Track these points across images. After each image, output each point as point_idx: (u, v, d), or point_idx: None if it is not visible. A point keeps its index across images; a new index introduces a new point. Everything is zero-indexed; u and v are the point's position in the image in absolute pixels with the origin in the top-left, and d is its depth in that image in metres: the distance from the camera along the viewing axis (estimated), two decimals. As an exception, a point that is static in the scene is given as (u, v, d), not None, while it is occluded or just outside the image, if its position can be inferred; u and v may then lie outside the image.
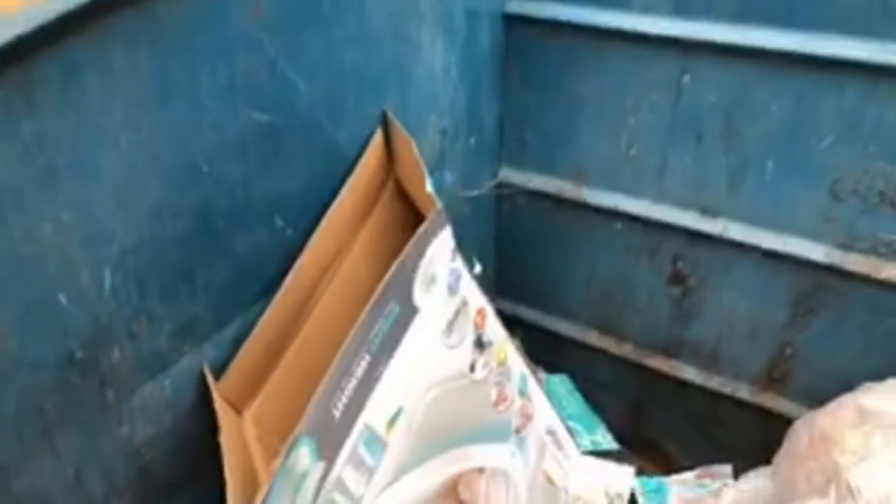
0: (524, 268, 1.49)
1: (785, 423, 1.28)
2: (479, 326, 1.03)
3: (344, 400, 0.78)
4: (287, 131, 0.88)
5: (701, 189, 1.23)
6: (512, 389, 1.13)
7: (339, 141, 0.97)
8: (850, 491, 0.98)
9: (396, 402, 0.88)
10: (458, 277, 0.97)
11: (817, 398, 1.26)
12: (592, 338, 1.49)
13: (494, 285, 1.52)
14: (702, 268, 1.30)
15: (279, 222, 0.92)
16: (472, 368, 1.03)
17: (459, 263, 0.96)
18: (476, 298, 1.02)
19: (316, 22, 0.87)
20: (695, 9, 1.09)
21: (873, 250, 1.13)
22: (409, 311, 0.89)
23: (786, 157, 1.13)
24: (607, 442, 1.49)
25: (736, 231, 1.22)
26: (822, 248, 1.17)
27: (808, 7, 1.01)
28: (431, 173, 0.96)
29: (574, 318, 1.49)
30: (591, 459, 1.36)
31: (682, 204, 1.26)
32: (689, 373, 1.41)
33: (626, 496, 1.33)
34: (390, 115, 1.02)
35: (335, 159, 0.98)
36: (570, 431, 1.34)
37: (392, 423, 0.87)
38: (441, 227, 0.90)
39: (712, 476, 1.47)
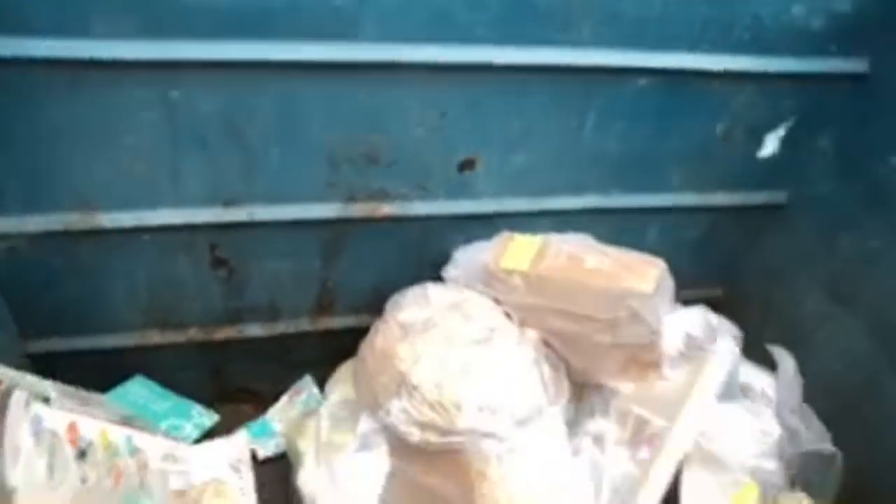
0: (62, 303, 1.34)
1: (339, 335, 1.55)
2: (74, 443, 0.96)
3: None
4: None
5: (219, 186, 1.26)
6: (124, 460, 1.10)
7: None
8: (414, 387, 1.29)
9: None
10: (39, 421, 0.87)
11: (359, 311, 1.55)
12: (155, 337, 1.47)
13: (21, 332, 1.34)
14: (239, 249, 1.38)
15: None
16: (84, 480, 0.97)
17: (41, 410, 0.86)
18: (61, 421, 0.93)
19: None
20: (167, 29, 1.04)
21: (370, 198, 1.37)
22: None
23: (286, 143, 1.24)
24: (207, 417, 1.56)
25: (261, 213, 1.32)
26: (332, 206, 1.36)
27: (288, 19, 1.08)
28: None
29: (130, 328, 1.44)
30: (204, 446, 1.42)
31: (205, 202, 1.28)
32: (255, 329, 1.53)
33: (247, 456, 1.46)
34: None
35: None
36: (175, 437, 1.38)
37: None
38: (7, 401, 0.79)
39: (298, 392, 1.70)
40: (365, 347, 1.38)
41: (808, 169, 1.59)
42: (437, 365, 1.28)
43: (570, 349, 1.39)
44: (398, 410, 1.28)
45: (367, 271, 1.50)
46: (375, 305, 1.56)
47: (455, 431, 1.25)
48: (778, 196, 1.65)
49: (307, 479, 1.38)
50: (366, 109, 1.23)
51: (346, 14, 1.10)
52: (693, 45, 1.32)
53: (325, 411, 1.47)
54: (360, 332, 1.59)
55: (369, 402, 1.33)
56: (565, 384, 1.40)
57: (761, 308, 1.75)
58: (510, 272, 1.36)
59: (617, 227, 1.54)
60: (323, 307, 1.55)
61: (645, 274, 1.31)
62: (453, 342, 1.29)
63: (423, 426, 1.26)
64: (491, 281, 1.40)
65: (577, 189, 1.49)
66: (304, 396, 1.69)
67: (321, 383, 1.67)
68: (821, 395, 1.53)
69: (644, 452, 1.35)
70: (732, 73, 1.37)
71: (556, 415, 1.38)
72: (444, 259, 1.51)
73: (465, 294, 1.38)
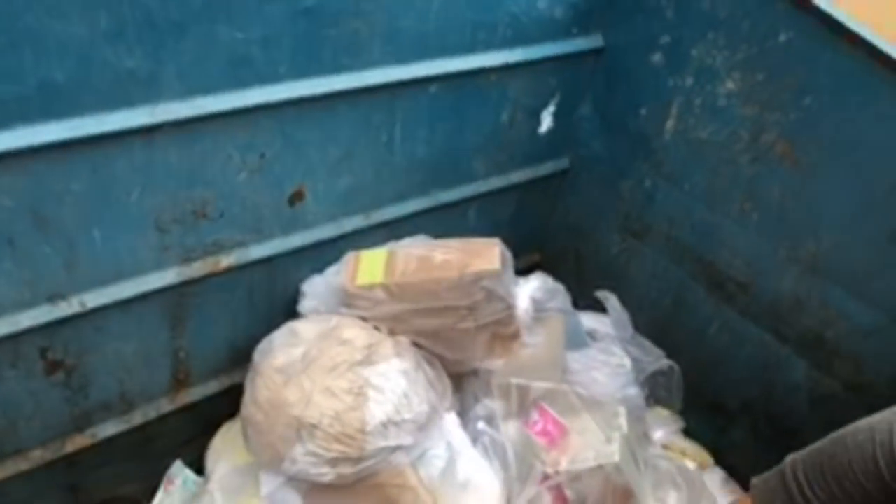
0: None
1: (203, 406, 1.46)
2: None
3: None
4: None
5: (38, 284, 1.12)
6: None
7: None
8: (314, 427, 1.23)
9: None
10: None
11: (218, 373, 1.46)
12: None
13: None
14: (74, 345, 1.23)
15: None
16: None
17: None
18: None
19: None
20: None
21: (206, 254, 1.29)
22: None
23: (107, 221, 1.13)
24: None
25: (93, 299, 1.19)
26: (169, 272, 1.26)
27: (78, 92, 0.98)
28: None
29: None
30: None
31: (25, 306, 1.12)
32: (109, 428, 1.37)
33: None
34: None
35: None
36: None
37: None
38: None
39: (171, 482, 1.55)
40: (249, 406, 1.30)
41: (580, 134, 1.80)
42: (329, 397, 1.25)
43: (441, 344, 1.43)
44: (303, 455, 1.23)
45: (219, 330, 1.41)
46: (235, 362, 1.49)
47: (366, 456, 1.24)
48: (562, 163, 1.85)
49: (221, 562, 1.28)
50: (184, 167, 1.16)
51: (142, 76, 1.04)
52: (469, 48, 1.43)
53: (214, 487, 1.37)
54: (225, 396, 1.50)
55: (269, 458, 1.27)
56: (446, 379, 1.45)
57: (576, 262, 1.94)
58: (369, 287, 1.37)
59: (443, 221, 1.62)
60: (180, 381, 1.43)
61: (489, 254, 1.40)
62: (337, 370, 1.27)
63: (334, 462, 1.23)
64: (352, 301, 1.39)
65: (401, 197, 1.54)
66: (178, 483, 1.54)
67: (194, 464, 1.55)
68: (646, 321, 1.74)
69: (535, 416, 1.44)
70: (505, 66, 1.51)
71: (449, 409, 1.41)
72: (295, 296, 1.47)
73: (332, 320, 1.36)
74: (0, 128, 0.95)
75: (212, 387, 1.49)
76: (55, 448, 1.31)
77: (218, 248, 1.30)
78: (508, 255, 1.45)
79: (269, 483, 1.30)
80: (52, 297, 1.14)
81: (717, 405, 1.73)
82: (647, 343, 1.75)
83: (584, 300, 1.76)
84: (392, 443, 1.26)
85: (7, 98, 0.93)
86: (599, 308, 1.75)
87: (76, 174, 1.05)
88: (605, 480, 1.40)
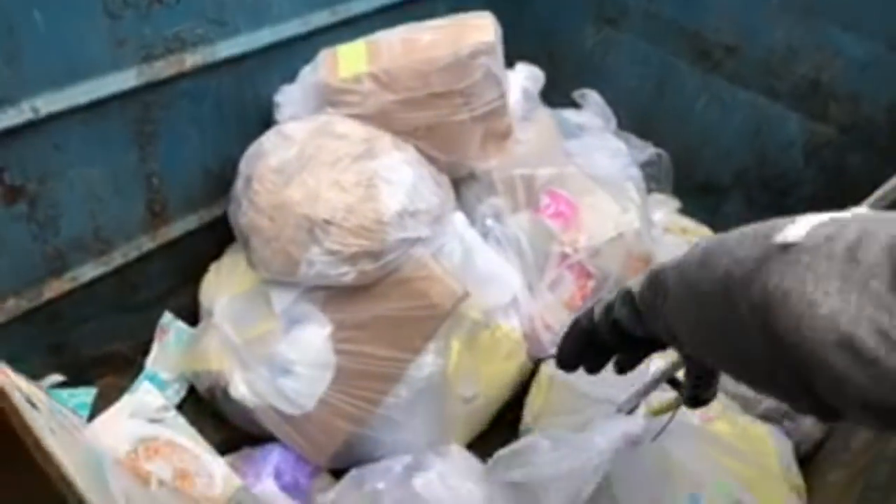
0: None
1: (183, 245, 1.33)
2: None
3: None
4: None
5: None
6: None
7: None
8: (328, 223, 1.12)
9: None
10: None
11: (196, 206, 1.32)
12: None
13: None
14: (34, 164, 1.05)
15: None
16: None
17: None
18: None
19: None
20: None
21: (168, 50, 1.12)
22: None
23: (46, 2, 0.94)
24: (85, 394, 1.25)
25: (44, 104, 1.01)
26: (129, 72, 1.09)
27: None
28: None
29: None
30: (106, 417, 1.13)
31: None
32: (87, 271, 1.22)
33: (163, 402, 1.19)
34: None
35: None
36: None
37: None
38: None
39: (164, 332, 1.43)
40: (249, 214, 1.16)
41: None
42: (338, 191, 1.14)
43: (435, 144, 1.32)
44: (321, 255, 1.12)
45: (191, 151, 1.26)
46: (212, 193, 1.35)
47: (387, 249, 1.14)
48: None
49: (245, 390, 1.18)
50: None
51: None
52: None
53: (219, 319, 1.25)
54: (206, 233, 1.37)
55: (281, 266, 1.15)
56: (447, 178, 1.35)
57: (550, 65, 1.84)
58: (355, 78, 1.24)
59: (412, 18, 1.47)
60: (156, 214, 1.28)
61: (481, 26, 1.28)
62: (340, 164, 1.15)
63: (354, 259, 1.13)
64: (336, 98, 1.25)
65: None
66: (171, 334, 1.42)
67: (181, 316, 1.42)
68: (629, 114, 1.68)
69: (545, 200, 1.37)
70: None
71: (454, 209, 1.33)
72: (268, 108, 1.32)
73: (321, 118, 1.23)
74: None
75: (191, 221, 1.34)
76: (31, 295, 1.15)
77: (181, 44, 1.13)
78: (500, 29, 1.33)
79: (282, 299, 1.19)
80: (-1, 101, 0.96)
81: (709, 184, 1.71)
82: (632, 136, 1.69)
83: (562, 102, 1.67)
84: (411, 234, 1.16)
85: None
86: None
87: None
88: (626, 250, 1.37)
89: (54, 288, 1.18)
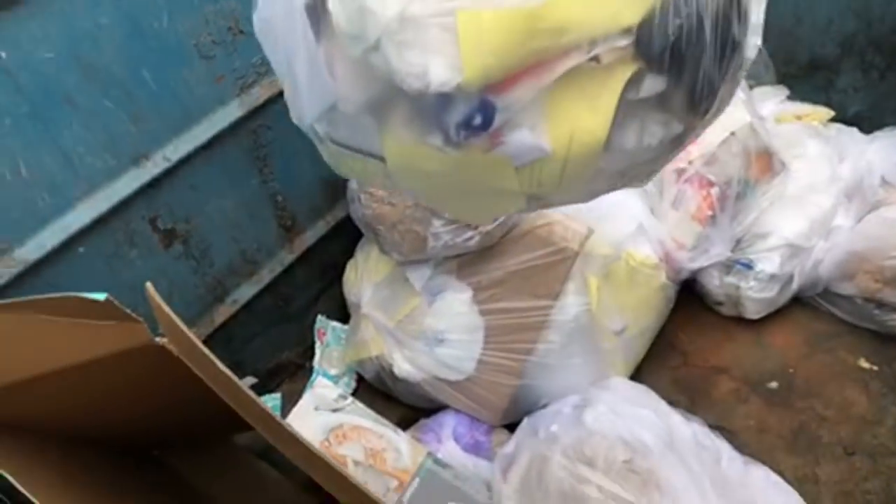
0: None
1: (318, 251, 1.41)
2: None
3: None
4: None
5: (116, 144, 1.02)
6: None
7: None
8: None
9: None
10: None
11: (322, 212, 1.39)
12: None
13: None
14: (178, 208, 1.14)
15: None
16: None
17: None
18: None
19: None
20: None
21: (259, 74, 1.17)
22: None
23: (149, 57, 1.01)
24: (269, 400, 1.35)
25: (174, 150, 1.09)
26: (232, 105, 1.15)
27: None
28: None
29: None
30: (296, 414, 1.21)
31: (113, 174, 1.03)
32: (245, 291, 1.31)
33: (339, 393, 1.26)
34: None
35: None
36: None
37: None
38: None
39: (322, 334, 1.51)
40: (370, 205, 1.20)
41: None
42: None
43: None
44: (444, 226, 1.14)
45: (304, 163, 1.31)
46: (332, 198, 1.41)
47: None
48: None
49: (408, 367, 1.23)
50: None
51: None
52: None
53: (367, 309, 1.31)
54: (336, 237, 1.43)
55: (410, 246, 1.18)
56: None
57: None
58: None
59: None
60: (288, 228, 1.35)
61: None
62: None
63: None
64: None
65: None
66: (329, 334, 1.50)
67: (333, 312, 1.50)
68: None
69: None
70: None
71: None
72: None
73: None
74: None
75: (320, 228, 1.41)
76: (205, 324, 1.25)
77: (268, 66, 1.17)
78: None
79: (419, 277, 1.23)
80: (137, 159, 1.05)
81: (815, 61, 1.58)
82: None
83: None
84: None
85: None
86: None
87: (97, 3, 0.92)
88: (742, 148, 1.29)
89: (222, 313, 1.27)
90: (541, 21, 0.48)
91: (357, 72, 0.54)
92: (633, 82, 0.51)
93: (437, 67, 0.49)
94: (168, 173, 1.09)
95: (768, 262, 1.34)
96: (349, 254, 1.45)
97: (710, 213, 1.29)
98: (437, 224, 1.15)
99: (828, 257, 1.34)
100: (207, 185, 1.17)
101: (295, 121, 0.66)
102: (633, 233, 1.28)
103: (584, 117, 0.52)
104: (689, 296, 1.41)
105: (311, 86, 0.58)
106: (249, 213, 1.26)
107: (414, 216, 1.15)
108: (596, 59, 0.50)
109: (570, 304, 1.15)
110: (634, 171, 0.61)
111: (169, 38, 1.03)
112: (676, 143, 0.59)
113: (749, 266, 1.36)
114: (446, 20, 0.48)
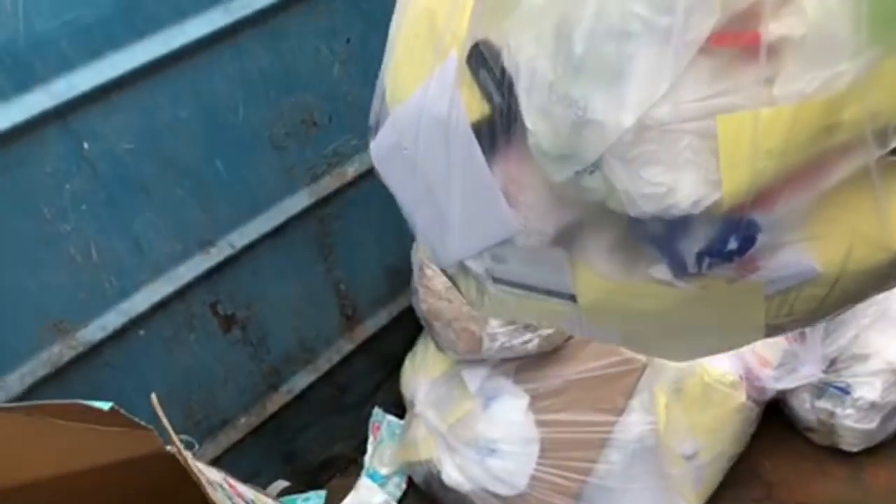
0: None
1: (378, 341, 1.38)
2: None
3: None
4: None
5: (185, 231, 1.06)
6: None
7: None
8: None
9: None
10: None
11: (384, 303, 1.38)
12: (209, 451, 1.20)
13: None
14: (239, 294, 1.17)
15: None
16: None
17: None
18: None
19: None
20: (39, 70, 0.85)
21: (330, 165, 1.20)
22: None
23: (223, 147, 1.06)
24: (315, 498, 1.32)
25: (240, 238, 1.12)
26: (302, 194, 1.18)
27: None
28: None
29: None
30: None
31: (179, 258, 1.07)
32: (301, 380, 1.31)
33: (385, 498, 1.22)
34: None
35: None
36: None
37: None
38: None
39: (377, 428, 1.47)
40: (428, 301, 1.19)
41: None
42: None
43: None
44: (500, 327, 1.11)
45: (369, 251, 1.32)
46: (395, 287, 1.40)
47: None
48: None
49: (457, 475, 1.17)
50: (277, 69, 1.07)
51: None
52: None
53: (421, 409, 1.27)
54: (397, 327, 1.42)
55: (466, 346, 1.15)
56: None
57: None
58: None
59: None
60: (349, 317, 1.35)
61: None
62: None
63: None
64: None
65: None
66: (383, 429, 1.46)
67: (389, 411, 1.47)
68: None
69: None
70: None
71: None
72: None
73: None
74: (94, 58, 0.88)
75: (382, 317, 1.40)
76: (258, 411, 1.25)
77: (340, 158, 1.21)
78: None
79: (474, 377, 1.19)
80: (203, 245, 1.08)
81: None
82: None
83: None
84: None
85: (91, 23, 0.86)
86: None
87: (179, 98, 0.98)
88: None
89: (275, 401, 1.27)
90: (842, 111, 0.37)
91: (555, 199, 0.45)
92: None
93: (688, 184, 0.39)
94: (232, 259, 1.12)
95: (868, 389, 1.21)
96: (410, 346, 1.43)
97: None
98: (493, 324, 1.11)
99: (940, 386, 1.20)
100: (270, 272, 1.19)
101: (434, 261, 0.57)
102: (711, 344, 1.19)
103: (870, 227, 0.41)
104: (776, 419, 1.29)
105: (473, 217, 0.49)
106: (311, 300, 1.27)
107: (471, 314, 1.12)
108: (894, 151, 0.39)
109: (634, 422, 1.07)
110: None
111: (243, 129, 1.07)
112: None
113: (846, 391, 1.23)
114: (705, 125, 0.39)
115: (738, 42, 0.38)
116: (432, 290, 1.16)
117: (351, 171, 1.23)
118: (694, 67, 0.38)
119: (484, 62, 0.45)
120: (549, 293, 0.50)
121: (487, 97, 0.45)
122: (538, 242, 0.47)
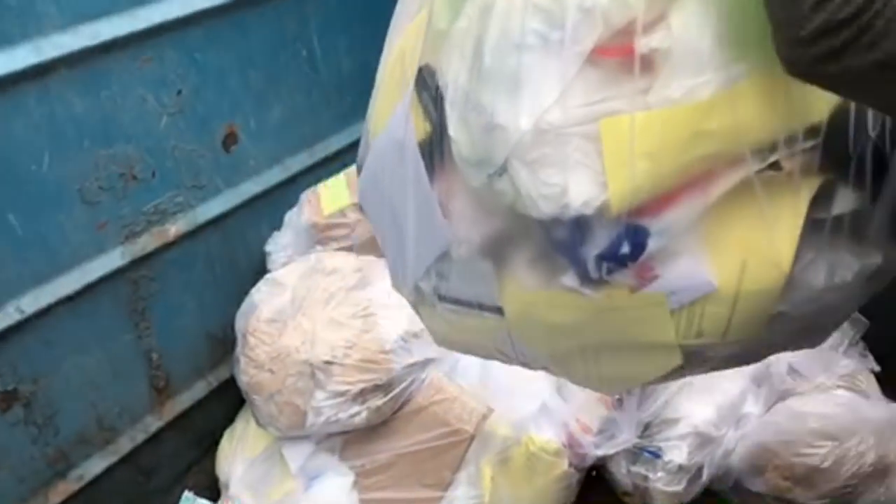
0: None
1: (193, 415, 1.27)
2: None
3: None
4: None
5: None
6: None
7: None
8: (328, 364, 1.07)
9: None
10: None
11: (202, 373, 1.28)
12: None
13: None
14: (24, 366, 1.02)
15: None
16: None
17: None
18: None
19: None
20: None
21: (150, 223, 1.11)
22: None
23: (21, 200, 0.94)
24: None
25: (29, 302, 0.99)
26: (114, 253, 1.07)
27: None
28: None
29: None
30: None
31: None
32: (94, 466, 1.15)
33: None
34: None
35: None
36: None
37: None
38: None
39: None
40: (249, 371, 1.12)
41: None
42: (336, 329, 1.09)
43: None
44: (326, 399, 1.06)
45: (188, 318, 1.22)
46: (216, 356, 1.30)
47: (396, 378, 1.08)
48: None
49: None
50: (94, 117, 0.99)
51: (14, 5, 0.87)
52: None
53: (236, 490, 1.17)
54: (216, 399, 1.32)
55: (289, 420, 1.09)
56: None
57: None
58: (340, 212, 1.22)
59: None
60: (160, 390, 1.22)
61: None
62: (334, 299, 1.11)
63: (362, 395, 1.06)
64: (325, 234, 1.24)
65: (343, 121, 1.38)
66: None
67: (204, 493, 1.34)
68: None
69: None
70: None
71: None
72: (260, 259, 1.30)
73: (311, 258, 1.20)
74: None
75: (199, 389, 1.29)
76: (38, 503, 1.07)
77: (161, 215, 1.12)
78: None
79: (296, 455, 1.12)
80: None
81: None
82: None
83: None
84: (418, 357, 1.10)
85: None
86: None
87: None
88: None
89: (61, 491, 1.10)
90: (709, 120, 0.40)
91: (476, 205, 0.49)
92: (822, 198, 0.43)
93: (579, 185, 0.42)
94: (18, 326, 0.98)
95: (677, 452, 1.29)
96: (230, 421, 1.32)
97: (617, 399, 1.26)
98: (319, 397, 1.06)
99: (738, 447, 1.31)
100: (68, 341, 1.05)
101: (395, 288, 0.60)
102: (535, 413, 1.22)
103: (760, 243, 0.43)
104: (598, 483, 1.34)
105: (420, 234, 0.52)
106: (115, 372, 1.14)
107: (295, 387, 1.07)
108: (774, 166, 0.41)
109: (460, 497, 1.05)
110: (820, 318, 0.49)
111: (47, 181, 0.96)
112: (873, 283, 0.48)
113: (657, 454, 1.31)
114: (591, 128, 0.42)
115: (618, 54, 0.43)
116: (254, 359, 1.09)
117: (173, 229, 1.14)
118: (583, 76, 0.43)
119: (425, 84, 0.50)
120: (482, 307, 0.53)
121: (428, 116, 0.50)
122: (467, 252, 0.51)
